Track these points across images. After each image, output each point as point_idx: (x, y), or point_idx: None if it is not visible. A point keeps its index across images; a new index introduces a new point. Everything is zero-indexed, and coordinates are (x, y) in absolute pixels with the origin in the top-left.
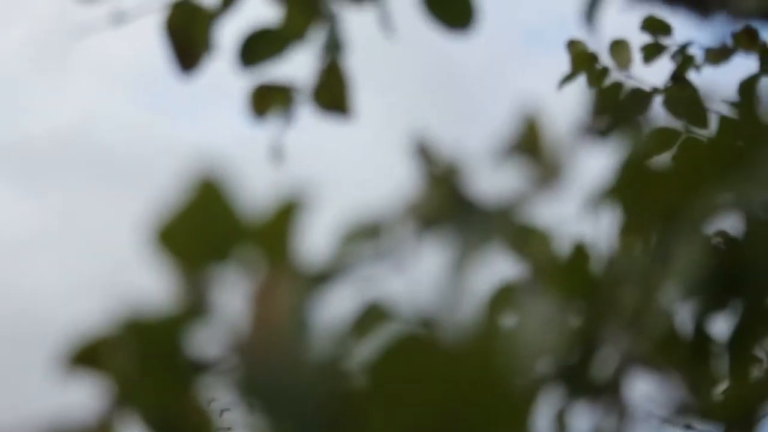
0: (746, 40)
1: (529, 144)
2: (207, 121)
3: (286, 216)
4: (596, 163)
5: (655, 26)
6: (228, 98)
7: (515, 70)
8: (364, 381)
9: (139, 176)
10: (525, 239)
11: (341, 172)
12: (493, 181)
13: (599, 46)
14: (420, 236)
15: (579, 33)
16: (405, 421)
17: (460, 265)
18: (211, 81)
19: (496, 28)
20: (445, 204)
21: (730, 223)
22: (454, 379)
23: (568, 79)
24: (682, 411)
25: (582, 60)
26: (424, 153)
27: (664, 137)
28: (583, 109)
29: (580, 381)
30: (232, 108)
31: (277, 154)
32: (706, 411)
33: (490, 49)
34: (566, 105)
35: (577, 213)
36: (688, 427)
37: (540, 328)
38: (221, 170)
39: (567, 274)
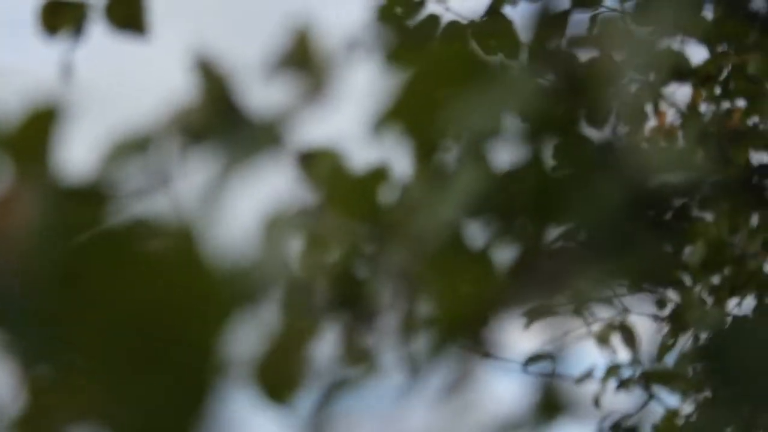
0: None
1: (298, 57)
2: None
3: (39, 124)
4: (377, 83)
5: None
6: (21, 16)
7: None
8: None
9: None
10: (311, 160)
11: (125, 90)
12: (264, 94)
13: None
14: (187, 150)
15: None
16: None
17: (222, 178)
18: None
19: None
20: (214, 116)
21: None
22: (152, 276)
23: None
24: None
25: None
26: (202, 66)
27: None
28: (364, 27)
29: (360, 303)
30: (24, 26)
31: (66, 71)
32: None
33: None
34: (346, 22)
35: (359, 133)
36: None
37: (284, 248)
38: None
39: (352, 195)
